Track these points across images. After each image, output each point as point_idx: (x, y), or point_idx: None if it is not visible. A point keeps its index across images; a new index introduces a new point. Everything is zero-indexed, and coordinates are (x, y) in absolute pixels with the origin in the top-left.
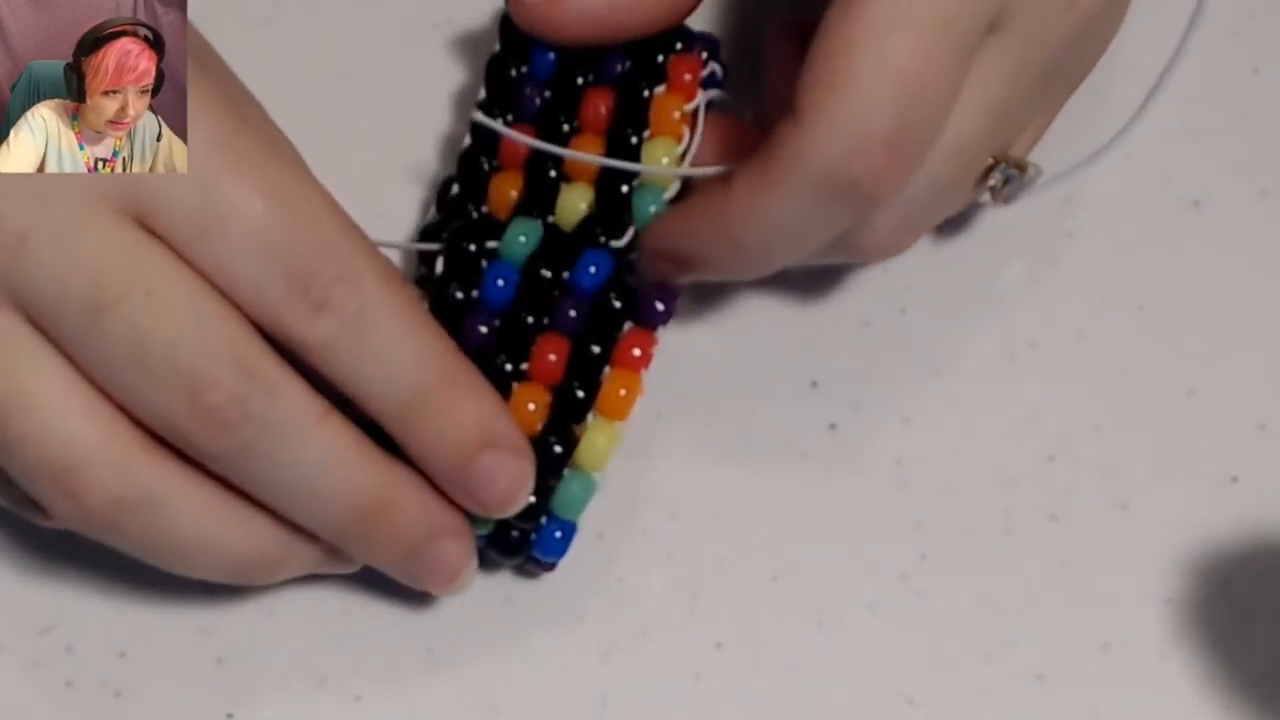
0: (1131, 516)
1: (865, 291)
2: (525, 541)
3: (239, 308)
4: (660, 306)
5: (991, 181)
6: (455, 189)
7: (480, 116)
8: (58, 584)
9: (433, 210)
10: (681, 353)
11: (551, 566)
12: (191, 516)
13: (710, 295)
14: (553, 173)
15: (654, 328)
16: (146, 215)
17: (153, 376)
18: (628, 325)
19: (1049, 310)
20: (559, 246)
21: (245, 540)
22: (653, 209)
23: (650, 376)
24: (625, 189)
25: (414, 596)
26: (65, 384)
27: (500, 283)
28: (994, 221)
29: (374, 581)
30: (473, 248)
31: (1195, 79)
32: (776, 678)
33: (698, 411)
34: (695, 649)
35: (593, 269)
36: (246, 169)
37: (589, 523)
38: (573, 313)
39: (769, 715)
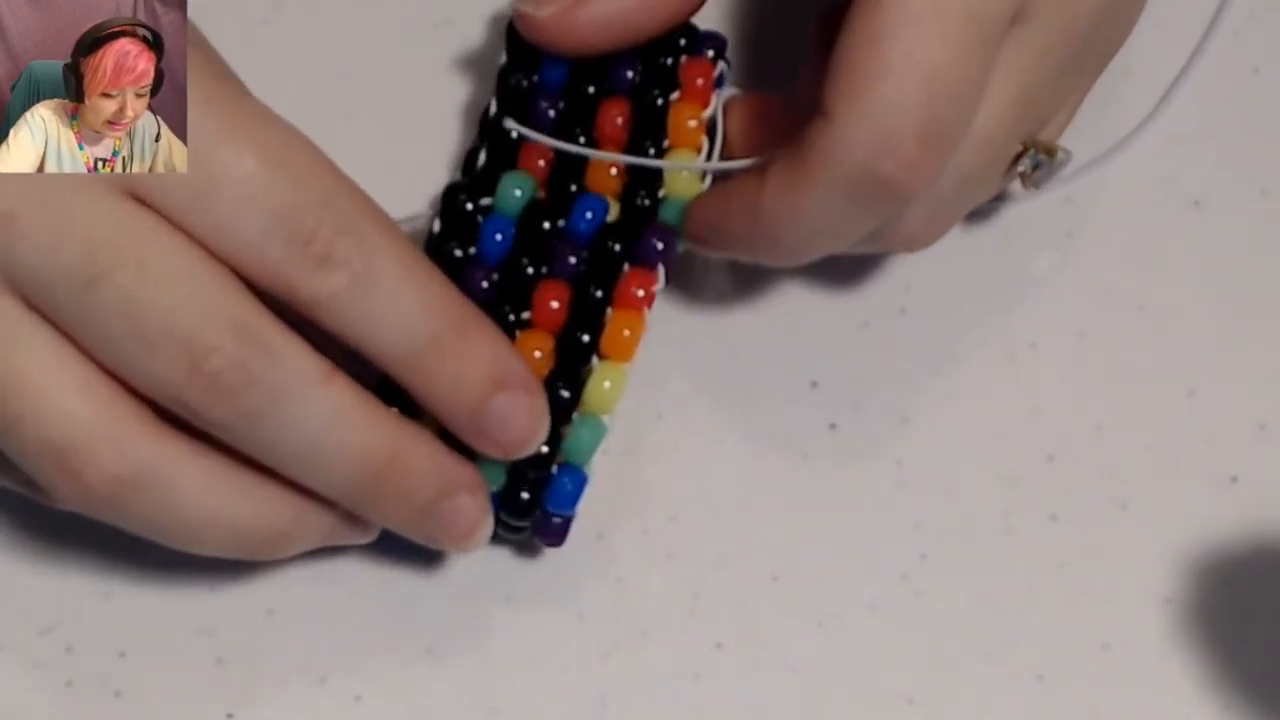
0: (1131, 516)
1: (865, 291)
2: (536, 502)
3: (239, 271)
4: (659, 245)
5: (1021, 167)
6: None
7: (512, 123)
8: (58, 584)
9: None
10: (682, 352)
11: (560, 535)
12: (197, 491)
13: (711, 296)
14: (574, 187)
15: (654, 266)
16: (138, 186)
17: (150, 346)
18: (627, 267)
19: (1049, 310)
20: (554, 196)
21: (255, 511)
22: (678, 219)
23: (650, 377)
24: (649, 202)
25: (415, 597)
26: (61, 362)
27: (498, 237)
28: (993, 222)
29: (374, 581)
30: (469, 205)
31: (1195, 79)
32: (776, 678)
33: (698, 411)
34: (695, 649)
35: (589, 214)
36: (237, 130)
37: (589, 523)
38: (572, 259)
39: (769, 715)
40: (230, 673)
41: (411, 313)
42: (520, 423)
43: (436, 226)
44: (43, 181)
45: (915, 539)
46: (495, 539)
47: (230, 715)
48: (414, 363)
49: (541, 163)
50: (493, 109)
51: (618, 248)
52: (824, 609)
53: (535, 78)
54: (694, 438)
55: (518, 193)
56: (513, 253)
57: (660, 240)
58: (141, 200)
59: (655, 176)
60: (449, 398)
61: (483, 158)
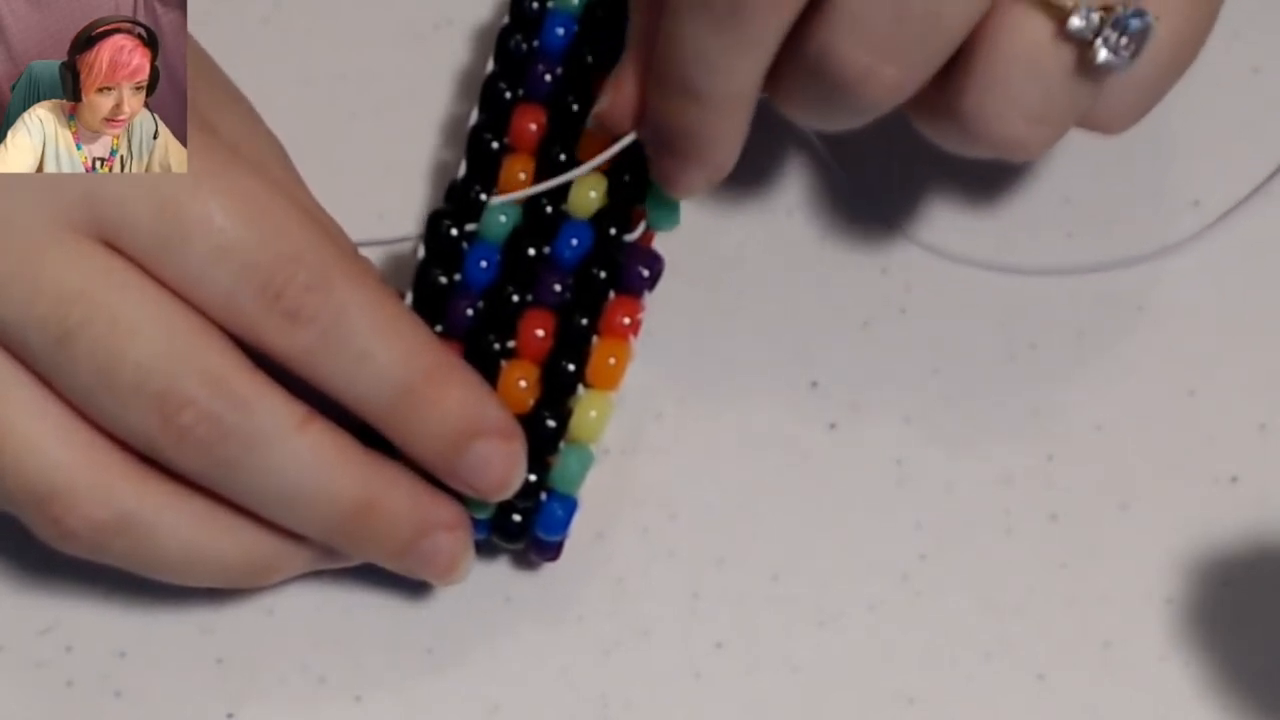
0: (1131, 516)
1: (865, 291)
2: (527, 524)
3: (212, 319)
4: (645, 272)
5: (1074, 24)
6: (462, 171)
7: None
8: (58, 584)
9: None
10: (682, 353)
11: (555, 552)
12: (177, 533)
13: (711, 294)
14: (563, 157)
15: (639, 294)
16: (109, 234)
17: (124, 400)
18: (612, 294)
19: (1049, 310)
20: (539, 221)
21: (235, 550)
22: (665, 203)
23: (650, 377)
24: (636, 180)
25: (415, 597)
26: (41, 409)
27: (483, 264)
28: (993, 221)
29: (374, 581)
30: (453, 231)
31: (1195, 79)
32: (776, 677)
33: (698, 411)
34: (695, 648)
35: (574, 241)
36: (205, 181)
37: (589, 523)
38: (556, 287)
39: (769, 715)
40: (230, 673)
41: (384, 364)
42: (497, 469)
43: (421, 253)
44: (15, 231)
45: (915, 539)
46: (493, 549)
47: (230, 715)
48: (389, 413)
49: (523, 175)
50: (490, 68)
51: (603, 275)
52: (824, 609)
53: (535, 42)
54: (694, 438)
55: (503, 219)
56: (498, 280)
57: (645, 267)
58: (113, 247)
59: (644, 156)
60: (425, 446)
61: (463, 168)
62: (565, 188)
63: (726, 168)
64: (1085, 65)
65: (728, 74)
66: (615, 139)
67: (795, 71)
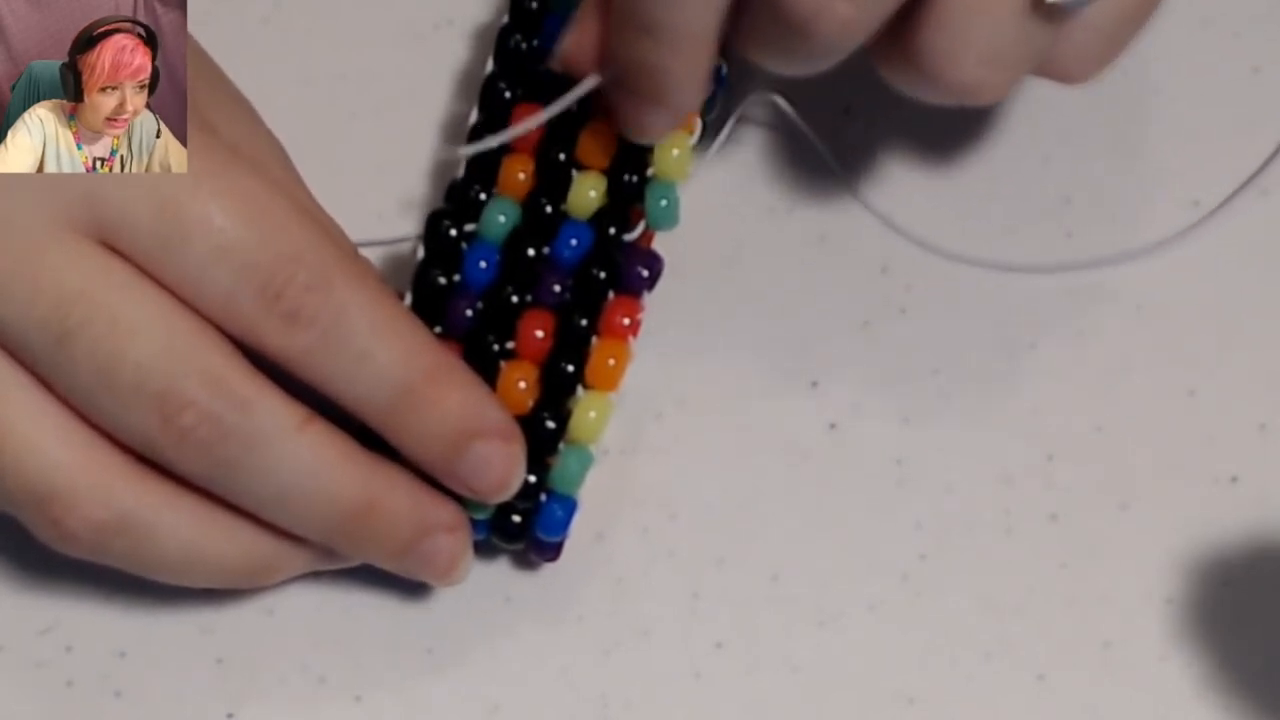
0: (1131, 516)
1: (865, 291)
2: (527, 525)
3: (211, 320)
4: (644, 273)
5: None
6: (462, 171)
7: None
8: (58, 584)
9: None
10: (682, 353)
11: (555, 552)
12: (178, 534)
13: (712, 294)
14: (562, 156)
15: (639, 294)
16: (109, 234)
17: (124, 401)
18: (611, 295)
19: (1049, 310)
20: (538, 221)
21: (235, 551)
22: (664, 203)
23: (650, 377)
24: (636, 179)
25: (414, 597)
26: (40, 410)
27: (482, 264)
28: (993, 221)
29: (374, 581)
30: (453, 232)
31: (1195, 79)
32: (776, 677)
33: (698, 411)
34: (695, 648)
35: (574, 241)
36: (205, 182)
37: (589, 523)
38: (556, 287)
39: (769, 715)
40: (230, 673)
41: (384, 365)
42: (496, 471)
43: (421, 253)
44: (14, 231)
45: (915, 539)
46: (493, 549)
47: (230, 715)
48: (388, 413)
49: (522, 175)
50: (490, 68)
51: (603, 275)
52: (824, 609)
53: (535, 41)
54: (694, 438)
55: (502, 219)
56: (497, 281)
57: (645, 268)
58: (113, 247)
59: (644, 155)
60: (424, 447)
61: (463, 168)
62: (565, 188)
63: (686, 109)
64: (1038, 4)
65: (687, 12)
66: (578, 81)
67: (753, 10)
